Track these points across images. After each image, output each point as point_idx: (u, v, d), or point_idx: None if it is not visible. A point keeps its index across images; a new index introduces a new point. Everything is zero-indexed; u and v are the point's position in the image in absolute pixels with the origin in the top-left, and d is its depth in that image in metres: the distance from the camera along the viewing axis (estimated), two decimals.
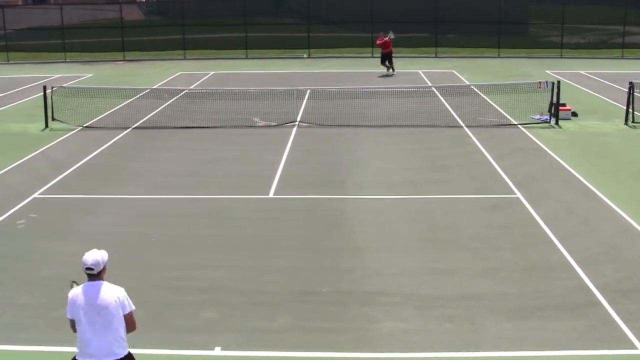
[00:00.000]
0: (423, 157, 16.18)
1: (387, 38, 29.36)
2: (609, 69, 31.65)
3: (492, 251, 10.56)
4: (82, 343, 6.05)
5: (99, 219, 12.21)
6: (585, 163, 15.42)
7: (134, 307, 6.15)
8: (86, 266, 6.13)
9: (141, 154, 16.81)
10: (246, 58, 37.45)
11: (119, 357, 6.03)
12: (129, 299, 6.14)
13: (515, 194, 13.24)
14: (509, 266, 10.01)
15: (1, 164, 15.69)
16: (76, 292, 6.11)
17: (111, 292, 6.08)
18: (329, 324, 8.43)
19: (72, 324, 6.12)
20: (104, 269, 6.19)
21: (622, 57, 36.58)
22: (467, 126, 19.19)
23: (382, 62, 29.85)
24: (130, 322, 6.13)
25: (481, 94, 23.81)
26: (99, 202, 13.19)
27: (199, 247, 10.88)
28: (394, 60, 30.01)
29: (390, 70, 29.73)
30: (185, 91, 25.15)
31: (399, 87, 24.13)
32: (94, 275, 6.12)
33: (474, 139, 17.77)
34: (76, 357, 6.13)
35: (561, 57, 36.77)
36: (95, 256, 6.18)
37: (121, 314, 6.04)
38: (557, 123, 19.43)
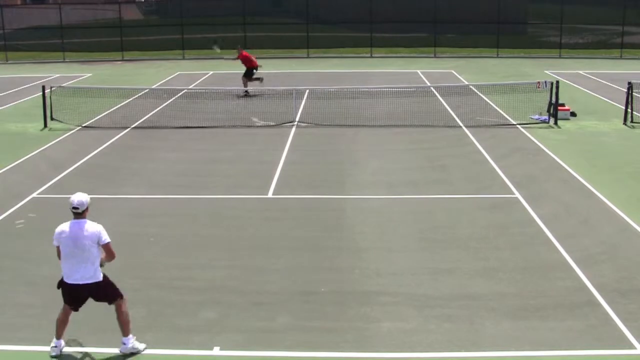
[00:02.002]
0: (422, 157, 16.18)
1: (243, 51, 25.55)
2: (608, 69, 31.68)
3: (491, 251, 10.57)
4: (65, 268, 7.52)
5: (97, 219, 12.07)
6: (584, 163, 15.43)
7: (109, 240, 7.52)
8: (73, 206, 7.48)
9: (140, 153, 16.80)
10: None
11: (94, 281, 7.48)
12: (105, 232, 7.52)
13: (514, 193, 13.25)
14: (508, 266, 10.01)
15: (0, 163, 15.68)
16: (63, 227, 7.54)
17: (90, 228, 7.47)
18: (328, 324, 8.43)
19: (58, 251, 7.58)
20: (86, 209, 7.54)
21: (621, 57, 36.63)
22: (466, 126, 19.20)
23: (250, 78, 24.87)
24: (108, 251, 7.55)
25: (480, 94, 23.82)
26: (97, 202, 13.14)
27: (197, 247, 10.88)
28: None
29: (250, 88, 24.83)
30: (184, 91, 25.14)
31: (398, 87, 24.14)
32: (79, 213, 7.51)
33: (472, 139, 17.78)
34: (62, 279, 7.56)
35: (560, 57, 36.80)
36: (81, 198, 7.53)
37: (96, 246, 7.44)
38: (555, 123, 19.44)
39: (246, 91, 24.48)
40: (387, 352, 7.81)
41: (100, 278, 7.56)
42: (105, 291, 7.66)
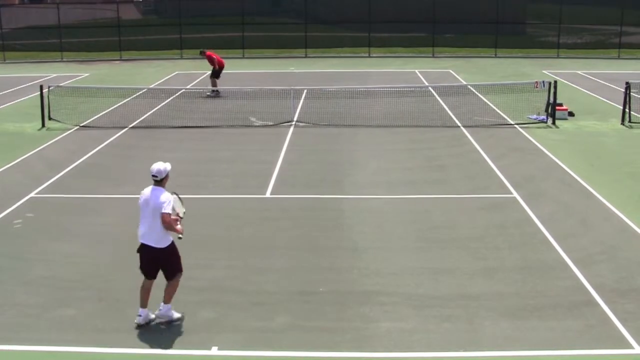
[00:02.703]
0: (420, 157, 16.19)
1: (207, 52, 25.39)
2: (606, 69, 31.71)
3: (489, 251, 10.57)
4: (140, 227, 8.16)
5: (95, 219, 12.19)
6: (582, 163, 15.44)
7: (168, 211, 7.94)
8: (152, 174, 8.15)
9: (138, 153, 16.78)
10: (243, 57, 37.44)
11: (157, 246, 8.05)
12: (170, 203, 8.00)
13: (512, 193, 13.25)
14: (506, 266, 10.02)
15: None
16: (145, 190, 8.20)
17: (160, 197, 8.02)
18: (327, 324, 8.43)
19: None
20: (166, 177, 8.18)
21: (619, 57, 36.66)
22: (464, 126, 19.20)
23: (217, 77, 24.87)
24: (163, 221, 7.96)
25: (478, 94, 23.83)
26: (95, 201, 13.17)
27: (196, 247, 10.86)
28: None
29: (212, 92, 24.62)
30: (182, 91, 25.13)
31: (396, 87, 24.15)
32: (158, 181, 8.16)
33: (471, 138, 17.78)
34: (140, 239, 8.14)
35: (558, 57, 36.83)
36: (159, 166, 8.18)
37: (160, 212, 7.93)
38: (554, 123, 19.46)
39: (216, 91, 24.46)
40: (386, 352, 7.81)
41: (163, 246, 8.08)
42: (170, 260, 8.19)
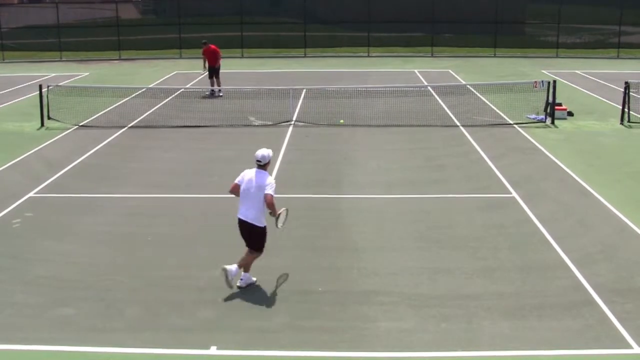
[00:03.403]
0: (419, 157, 16.19)
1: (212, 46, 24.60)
2: (605, 69, 31.72)
3: (488, 251, 10.57)
4: (240, 205, 9.16)
5: (94, 219, 12.19)
6: (581, 163, 15.44)
7: (271, 193, 8.91)
8: (257, 159, 9.11)
9: (137, 153, 16.78)
10: (242, 57, 37.42)
11: (253, 223, 9.06)
12: (273, 187, 8.98)
13: (511, 193, 13.26)
14: (505, 266, 10.02)
15: None
16: (249, 172, 9.16)
17: (263, 180, 8.99)
18: (326, 324, 8.43)
19: (235, 186, 9.22)
20: (268, 162, 9.15)
21: (618, 57, 36.67)
22: (463, 125, 19.21)
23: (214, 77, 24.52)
24: (266, 200, 8.92)
25: (477, 94, 23.84)
26: (94, 201, 13.17)
27: (195, 246, 10.88)
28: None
29: (217, 90, 24.40)
30: (181, 90, 25.12)
31: (395, 87, 24.14)
32: (261, 165, 9.12)
33: (470, 138, 17.78)
34: (238, 215, 9.15)
35: (557, 57, 36.83)
36: (264, 152, 9.12)
37: (263, 196, 8.89)
38: (552, 122, 19.46)
39: (214, 91, 24.20)
40: (385, 351, 7.81)
41: (259, 225, 9.11)
42: (257, 239, 9.21)
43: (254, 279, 9.46)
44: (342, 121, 13.68)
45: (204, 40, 25.08)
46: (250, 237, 9.24)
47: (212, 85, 24.45)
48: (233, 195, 9.41)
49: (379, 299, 9.05)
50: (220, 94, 24.16)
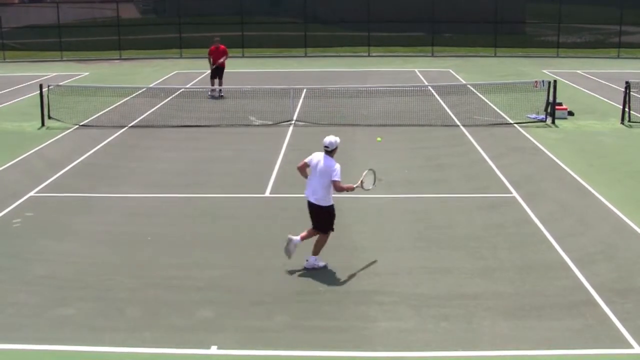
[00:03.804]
0: (419, 156, 16.19)
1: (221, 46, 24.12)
2: (606, 69, 31.71)
3: (488, 250, 10.57)
4: (307, 186, 9.88)
5: (95, 218, 12.19)
6: (582, 162, 15.44)
7: (338, 179, 9.49)
8: (324, 145, 9.70)
9: (137, 152, 16.78)
10: (242, 57, 37.42)
11: (319, 204, 9.73)
12: (338, 172, 9.51)
13: (512, 193, 13.25)
14: (505, 265, 10.02)
15: None
16: (318, 155, 9.79)
17: (330, 165, 9.57)
18: (326, 323, 8.43)
19: (302, 165, 9.92)
20: (335, 149, 9.68)
21: (619, 57, 36.64)
22: (464, 125, 19.20)
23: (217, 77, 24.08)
24: (334, 186, 9.56)
25: (477, 93, 23.83)
26: (95, 200, 13.16)
27: (195, 246, 10.88)
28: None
29: (218, 91, 24.05)
30: (181, 90, 25.12)
31: (396, 86, 24.14)
32: (328, 151, 9.69)
33: (470, 138, 17.78)
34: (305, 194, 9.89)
35: (558, 57, 36.82)
36: (331, 139, 9.73)
37: (329, 179, 9.52)
38: (553, 122, 19.46)
39: (215, 91, 23.92)
40: (385, 351, 7.81)
41: (325, 204, 9.74)
42: (325, 218, 9.81)
43: (322, 263, 9.88)
44: (379, 139, 13.64)
45: (217, 38, 24.52)
46: (317, 217, 9.84)
47: (212, 85, 24.27)
48: (298, 172, 10.12)
49: (379, 298, 9.05)
50: (222, 94, 24.09)
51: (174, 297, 9.12)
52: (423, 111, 20.68)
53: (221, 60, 23.85)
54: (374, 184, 10.15)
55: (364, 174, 10.02)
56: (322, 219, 9.81)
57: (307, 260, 9.86)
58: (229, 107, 21.85)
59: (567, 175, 14.46)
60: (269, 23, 41.80)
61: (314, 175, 9.73)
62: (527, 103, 20.92)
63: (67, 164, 15.58)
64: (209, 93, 24.17)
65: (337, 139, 9.72)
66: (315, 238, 9.91)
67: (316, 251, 9.85)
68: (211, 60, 24.01)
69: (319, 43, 38.93)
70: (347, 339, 8.06)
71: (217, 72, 24.03)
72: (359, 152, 16.47)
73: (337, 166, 9.57)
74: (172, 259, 10.37)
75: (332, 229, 9.92)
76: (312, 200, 9.75)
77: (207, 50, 24.53)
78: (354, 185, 9.80)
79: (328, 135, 10.00)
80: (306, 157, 10.04)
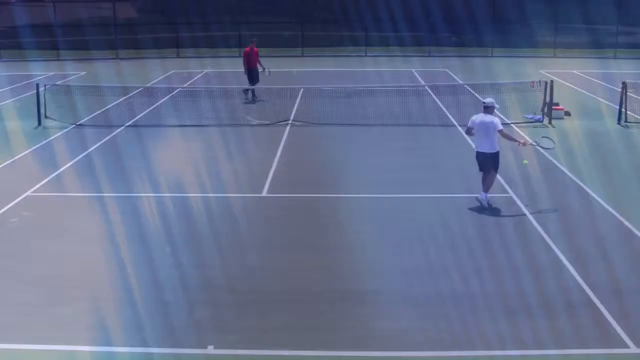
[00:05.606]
0: (417, 156, 16.20)
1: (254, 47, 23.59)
2: (602, 69, 31.74)
3: (485, 250, 10.57)
4: (477, 142, 12.51)
5: (92, 218, 12.18)
6: (578, 162, 15.45)
7: (501, 127, 12.22)
8: (485, 104, 12.35)
9: (134, 152, 16.77)
10: (239, 56, 37.30)
11: (490, 151, 12.28)
12: (499, 123, 12.25)
13: (509, 193, 13.26)
14: (502, 265, 10.02)
15: None
16: (479, 116, 12.28)
17: (493, 120, 12.19)
18: (323, 323, 8.43)
19: (468, 128, 12.56)
20: (493, 107, 12.32)
21: (615, 57, 36.69)
22: (461, 125, 19.19)
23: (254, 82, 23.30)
24: (501, 133, 12.20)
25: (474, 93, 23.82)
26: (92, 200, 13.14)
27: (192, 246, 10.87)
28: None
29: (251, 95, 23.32)
30: (178, 89, 25.11)
31: (393, 86, 24.14)
32: (487, 108, 12.29)
33: (467, 138, 17.75)
34: (476, 149, 12.55)
35: (554, 57, 36.85)
36: (491, 99, 12.54)
37: (495, 130, 12.14)
38: (550, 122, 19.47)
39: (248, 91, 23.30)
40: (382, 351, 7.81)
41: (494, 151, 12.28)
42: (495, 161, 12.33)
43: (487, 200, 12.33)
44: (525, 162, 13.69)
45: (253, 39, 23.90)
46: (493, 162, 12.28)
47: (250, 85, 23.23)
48: (467, 135, 13.37)
49: (376, 298, 9.06)
50: (255, 96, 23.07)
51: (171, 297, 9.12)
52: (420, 111, 20.69)
53: (258, 65, 23.18)
54: (553, 143, 12.81)
55: (540, 138, 12.83)
56: (493, 162, 12.26)
57: (479, 195, 12.34)
58: (227, 106, 21.83)
59: (564, 176, 14.48)
60: (266, 22, 41.73)
61: (482, 131, 12.20)
62: (524, 103, 20.92)
63: (64, 164, 15.56)
64: (249, 98, 23.15)
65: (494, 101, 12.41)
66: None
67: (486, 188, 12.30)
68: (245, 62, 23.30)
69: (316, 43, 38.91)
70: (344, 338, 8.06)
71: (252, 75, 23.24)
72: (355, 153, 16.47)
73: (497, 119, 12.24)
74: (170, 259, 10.36)
75: (497, 169, 12.47)
76: (484, 151, 12.24)
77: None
78: (521, 140, 12.81)
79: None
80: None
